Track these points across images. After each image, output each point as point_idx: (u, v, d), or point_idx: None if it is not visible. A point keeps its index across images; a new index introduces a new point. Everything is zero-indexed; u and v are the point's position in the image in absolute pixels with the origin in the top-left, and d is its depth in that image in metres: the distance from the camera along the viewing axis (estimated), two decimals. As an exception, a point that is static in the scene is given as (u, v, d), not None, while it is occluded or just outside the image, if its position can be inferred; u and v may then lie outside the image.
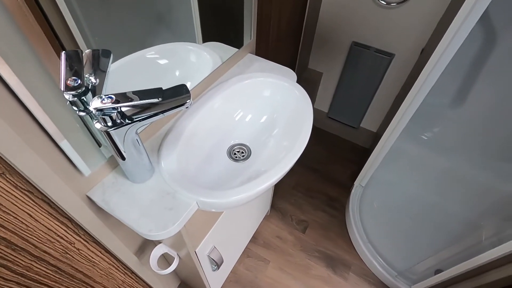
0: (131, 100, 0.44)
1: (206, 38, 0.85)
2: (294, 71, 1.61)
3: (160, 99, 0.43)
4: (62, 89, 0.44)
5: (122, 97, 0.44)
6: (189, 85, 0.83)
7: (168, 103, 0.47)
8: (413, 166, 1.60)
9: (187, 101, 0.47)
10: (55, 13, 0.46)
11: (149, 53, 0.81)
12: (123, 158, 0.54)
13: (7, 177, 0.43)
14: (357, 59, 1.50)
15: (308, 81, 1.73)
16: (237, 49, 0.89)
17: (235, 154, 0.78)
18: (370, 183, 1.54)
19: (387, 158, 1.38)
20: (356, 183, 1.51)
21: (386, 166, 1.53)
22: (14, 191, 0.45)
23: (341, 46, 1.54)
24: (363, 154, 1.85)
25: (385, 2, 1.26)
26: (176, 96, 0.47)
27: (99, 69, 0.52)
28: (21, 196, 0.46)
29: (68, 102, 0.45)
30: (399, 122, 1.14)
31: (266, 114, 0.80)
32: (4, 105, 0.40)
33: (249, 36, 0.89)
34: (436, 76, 0.99)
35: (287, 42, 1.32)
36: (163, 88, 0.47)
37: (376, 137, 1.70)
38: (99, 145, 0.57)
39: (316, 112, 1.93)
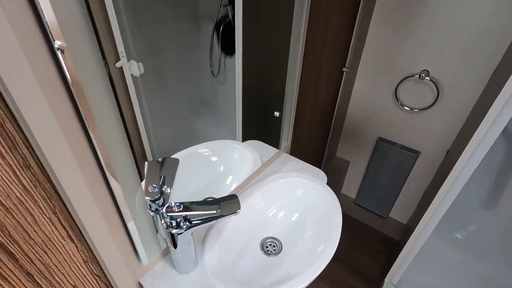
0: (195, 210, 0.55)
1: (246, 135, 1.01)
2: (323, 158, 1.73)
3: (218, 210, 0.54)
4: (145, 195, 0.57)
5: (188, 206, 0.56)
6: (230, 179, 0.95)
7: (222, 211, 0.58)
8: (449, 268, 1.51)
9: (237, 211, 0.57)
10: (137, 138, 0.62)
11: (200, 148, 0.97)
12: (175, 247, 0.63)
13: (89, 265, 0.53)
14: (384, 153, 1.59)
15: (336, 168, 1.82)
16: (274, 148, 1.03)
17: (267, 247, 0.84)
18: (402, 282, 1.45)
19: (419, 256, 1.33)
20: (386, 280, 1.44)
21: (419, 265, 1.46)
22: (90, 277, 0.54)
23: (367, 140, 1.66)
24: (392, 246, 1.78)
25: (408, 108, 1.41)
26: (229, 207, 0.58)
27: (169, 174, 0.65)
28: (93, 281, 0.55)
29: (148, 204, 0.57)
30: (430, 219, 1.15)
31: (298, 212, 0.88)
32: (107, 207, 0.52)
33: (286, 140, 1.04)
34: (465, 180, 1.04)
35: (319, 133, 1.47)
36: (217, 197, 0.59)
37: (406, 229, 1.66)
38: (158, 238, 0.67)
39: (343, 197, 1.97)
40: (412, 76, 1.32)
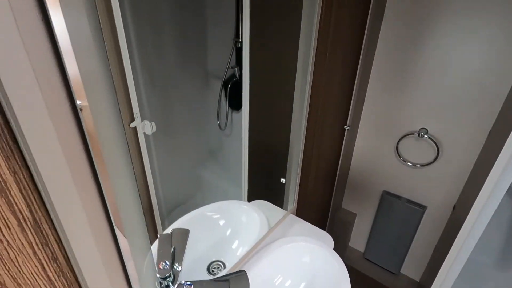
0: (205, 289, 0.55)
1: (252, 191, 1.04)
2: (329, 210, 1.72)
3: (227, 289, 0.55)
4: (156, 272, 0.58)
5: (197, 285, 0.56)
6: (236, 244, 0.96)
7: (231, 289, 0.58)
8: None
9: (246, 289, 0.58)
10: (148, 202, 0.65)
11: (208, 210, 0.99)
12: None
13: None
14: (390, 206, 1.59)
15: (342, 221, 1.80)
16: (280, 209, 1.04)
17: (275, 318, 0.81)
18: None
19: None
20: None
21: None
22: None
23: (373, 193, 1.67)
24: (407, 305, 1.68)
25: (410, 163, 1.44)
26: (238, 284, 0.58)
27: (180, 246, 0.67)
28: None
29: (159, 282, 0.58)
30: (445, 280, 1.11)
31: (305, 281, 0.86)
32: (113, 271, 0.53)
33: (292, 202, 1.06)
34: (475, 240, 1.03)
35: (324, 187, 1.49)
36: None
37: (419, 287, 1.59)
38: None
39: (351, 251, 1.91)
40: (412, 134, 1.38)
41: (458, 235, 1.05)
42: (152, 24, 1.23)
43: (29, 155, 0.33)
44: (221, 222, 0.96)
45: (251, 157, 1.21)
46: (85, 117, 0.38)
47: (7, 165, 0.32)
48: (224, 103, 1.61)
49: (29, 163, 0.34)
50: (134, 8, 1.05)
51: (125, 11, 1.02)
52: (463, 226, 1.03)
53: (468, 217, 0.99)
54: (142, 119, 1.06)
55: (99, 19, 0.37)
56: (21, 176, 0.34)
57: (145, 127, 1.03)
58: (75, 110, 0.37)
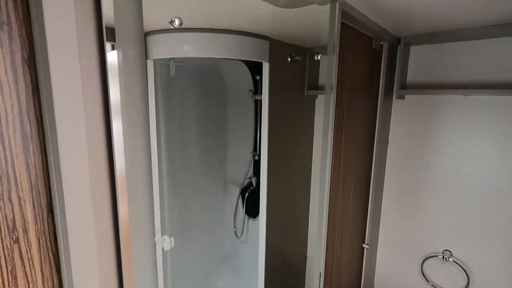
0: None
1: None
2: None
3: None
4: None
5: None
6: None
7: None
8: None
9: None
10: None
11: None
12: None
13: None
14: None
15: None
16: None
17: None
18: None
19: None
20: None
21: None
22: None
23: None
24: None
25: (440, 289, 1.32)
26: None
27: None
28: None
29: None
30: None
31: None
32: None
33: None
34: None
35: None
36: None
37: None
38: None
39: None
40: (436, 255, 1.31)
41: None
42: (181, 140, 1.40)
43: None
44: None
45: (268, 267, 1.16)
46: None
47: None
48: (241, 211, 1.65)
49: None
50: (166, 121, 1.23)
51: (160, 126, 1.19)
52: None
53: None
54: (162, 234, 1.09)
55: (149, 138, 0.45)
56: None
57: (164, 243, 1.05)
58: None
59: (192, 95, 1.43)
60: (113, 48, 0.38)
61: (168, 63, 1.25)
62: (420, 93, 1.26)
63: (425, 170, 1.32)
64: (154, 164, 1.07)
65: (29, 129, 0.33)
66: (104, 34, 0.36)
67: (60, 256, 0.34)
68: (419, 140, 1.32)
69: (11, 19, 0.30)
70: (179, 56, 1.14)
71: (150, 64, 1.05)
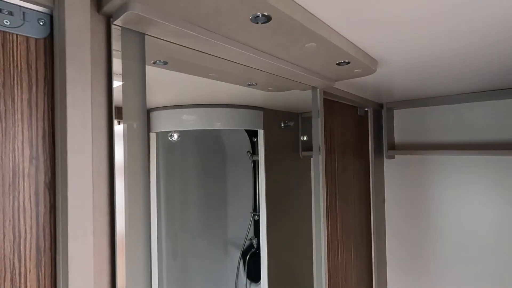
0: None
1: None
2: None
3: None
4: None
5: None
6: None
7: None
8: None
9: None
10: None
11: None
12: None
13: None
14: None
15: None
16: None
17: None
18: None
19: None
20: None
21: None
22: None
23: None
24: None
25: None
26: None
27: None
28: None
29: None
30: None
31: None
32: None
33: None
34: None
35: None
36: None
37: None
38: None
39: None
40: (449, 324, 1.23)
41: None
42: (181, 201, 1.43)
43: None
44: None
45: None
46: None
47: None
48: (243, 275, 1.58)
49: None
50: (166, 183, 1.27)
51: (160, 188, 1.23)
52: None
53: None
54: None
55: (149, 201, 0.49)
56: None
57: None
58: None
59: (192, 157, 1.51)
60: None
61: (170, 131, 1.35)
62: (407, 153, 1.33)
63: (426, 229, 1.31)
64: (154, 226, 1.09)
65: (43, 244, 0.38)
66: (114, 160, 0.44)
67: None
68: (415, 197, 1.34)
69: (39, 153, 0.37)
70: (179, 129, 1.24)
71: (153, 136, 1.15)
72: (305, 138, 1.17)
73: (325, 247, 0.97)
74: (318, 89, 0.87)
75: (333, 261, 1.06)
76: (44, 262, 0.37)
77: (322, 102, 0.92)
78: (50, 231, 0.38)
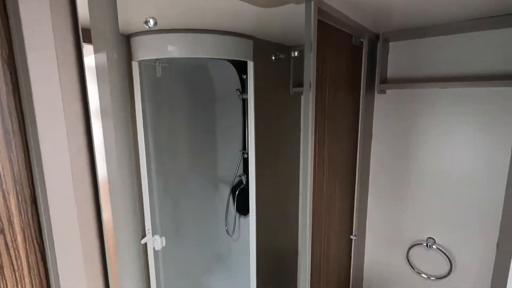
0: None
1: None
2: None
3: None
4: None
5: None
6: None
7: None
8: None
9: None
10: None
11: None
12: None
13: None
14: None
15: None
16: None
17: None
18: None
19: None
20: None
21: None
22: None
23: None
24: None
25: (425, 275, 1.37)
26: None
27: None
28: None
29: None
30: None
31: None
32: None
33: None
34: None
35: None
36: None
37: None
38: None
39: None
40: (420, 243, 1.36)
41: None
42: (169, 136, 1.41)
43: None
44: None
45: (259, 264, 1.19)
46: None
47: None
48: (232, 209, 1.67)
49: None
50: (154, 122, 1.24)
51: (147, 125, 1.20)
52: None
53: None
54: (153, 234, 1.10)
55: (131, 133, 0.47)
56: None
57: (155, 243, 1.06)
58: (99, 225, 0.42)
59: (180, 95, 1.45)
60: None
61: (154, 64, 1.26)
62: (399, 87, 1.31)
63: (409, 162, 1.36)
64: (143, 163, 1.08)
65: (11, 125, 0.35)
66: (80, 30, 0.38)
67: (45, 246, 0.36)
68: (402, 132, 1.36)
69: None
70: (164, 57, 1.15)
71: (135, 66, 1.06)
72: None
73: (311, 177, 0.99)
74: (312, 2, 0.79)
75: (318, 191, 1.10)
76: (15, 143, 0.35)
77: (316, 24, 0.84)
78: (17, 113, 0.34)
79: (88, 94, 0.40)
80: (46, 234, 0.36)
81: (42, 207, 0.35)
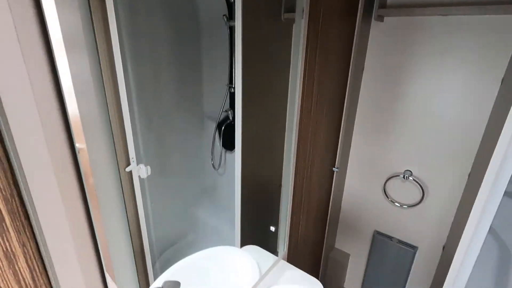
0: None
1: (244, 238, 1.05)
2: (322, 250, 1.72)
3: None
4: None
5: None
6: (228, 291, 0.96)
7: None
8: None
9: None
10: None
11: (200, 259, 1.00)
12: None
13: None
14: (382, 247, 1.59)
15: (336, 261, 1.79)
16: (272, 255, 1.06)
17: None
18: None
19: None
20: None
21: None
22: None
23: (364, 233, 1.68)
24: None
25: (398, 204, 1.49)
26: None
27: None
28: None
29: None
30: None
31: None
32: None
33: (283, 248, 1.08)
34: (464, 282, 1.04)
35: (315, 227, 1.51)
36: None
37: (417, 334, 1.54)
38: None
39: (346, 293, 1.87)
40: (398, 175, 1.44)
41: (447, 276, 1.06)
42: (151, 69, 1.32)
43: (38, 230, 0.37)
44: (212, 270, 0.96)
45: (244, 197, 1.25)
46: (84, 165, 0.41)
47: (18, 239, 0.36)
48: (218, 144, 1.67)
49: (38, 237, 0.38)
50: (133, 52, 1.14)
51: (125, 55, 1.11)
52: (451, 267, 1.05)
53: (454, 257, 1.02)
54: (138, 163, 1.10)
55: (100, 63, 0.43)
56: (29, 248, 0.38)
57: (140, 171, 1.06)
58: (75, 157, 0.40)
59: (161, 22, 1.29)
60: None
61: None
62: (399, 13, 1.20)
63: (398, 98, 1.35)
64: (124, 102, 1.01)
65: None
66: None
67: (19, 186, 0.35)
68: (395, 67, 1.31)
69: None
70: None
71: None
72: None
73: (299, 105, 0.97)
74: None
75: (306, 118, 1.09)
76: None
77: None
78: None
79: (46, 19, 0.33)
80: (19, 176, 0.34)
81: (11, 152, 0.32)
